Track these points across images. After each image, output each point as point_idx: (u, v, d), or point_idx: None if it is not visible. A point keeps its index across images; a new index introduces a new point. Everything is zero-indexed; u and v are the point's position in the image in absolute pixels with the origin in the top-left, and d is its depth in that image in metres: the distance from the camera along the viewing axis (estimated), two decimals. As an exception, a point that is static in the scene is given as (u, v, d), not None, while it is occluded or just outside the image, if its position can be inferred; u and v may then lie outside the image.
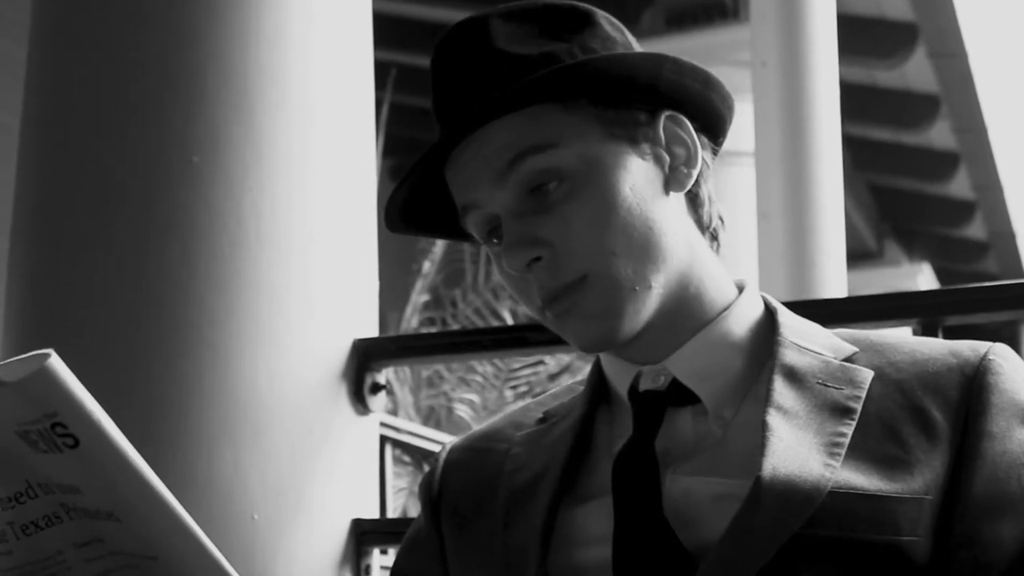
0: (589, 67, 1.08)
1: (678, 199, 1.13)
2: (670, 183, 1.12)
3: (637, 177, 1.09)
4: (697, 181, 1.14)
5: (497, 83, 1.08)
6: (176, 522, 0.89)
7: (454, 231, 1.17)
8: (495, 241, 1.12)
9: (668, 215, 1.11)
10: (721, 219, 1.17)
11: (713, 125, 1.16)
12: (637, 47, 1.15)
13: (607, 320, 1.08)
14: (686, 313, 1.12)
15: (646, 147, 1.11)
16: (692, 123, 1.14)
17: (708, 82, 1.13)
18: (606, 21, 1.14)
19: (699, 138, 1.14)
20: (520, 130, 1.08)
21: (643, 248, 1.08)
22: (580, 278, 1.07)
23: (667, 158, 1.12)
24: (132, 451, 0.87)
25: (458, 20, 1.14)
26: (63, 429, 0.85)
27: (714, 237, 1.17)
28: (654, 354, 1.12)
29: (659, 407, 1.11)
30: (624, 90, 1.10)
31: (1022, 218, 9.65)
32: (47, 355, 0.84)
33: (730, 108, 1.16)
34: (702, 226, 1.15)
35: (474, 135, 1.09)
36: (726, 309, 1.14)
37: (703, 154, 1.14)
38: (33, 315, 1.87)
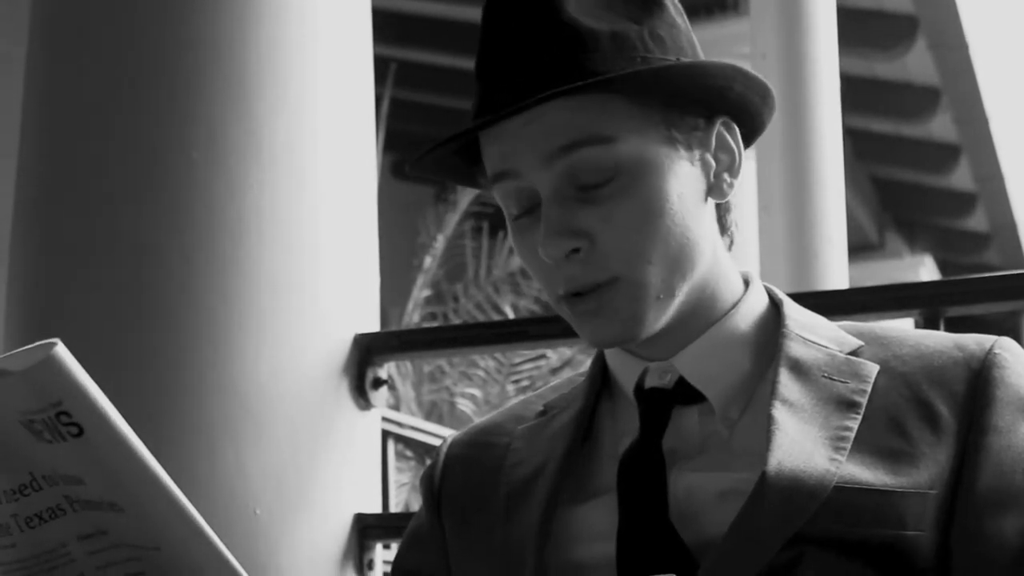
0: (672, 73, 1.06)
1: (710, 205, 1.12)
2: (712, 191, 1.11)
3: (685, 185, 1.08)
4: None
5: (564, 56, 1.04)
6: (179, 511, 0.89)
7: (465, 175, 1.14)
8: (520, 214, 1.09)
9: (703, 224, 1.09)
10: (736, 224, 1.16)
11: (754, 133, 1.16)
12: (692, 34, 1.13)
13: (628, 324, 1.07)
14: (698, 313, 1.11)
15: (697, 152, 1.09)
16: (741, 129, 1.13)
17: (766, 97, 1.12)
18: (671, 4, 1.12)
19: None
20: (579, 115, 1.04)
21: (676, 259, 1.07)
22: (611, 280, 1.06)
23: (713, 164, 1.10)
24: (136, 440, 0.87)
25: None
26: (68, 418, 0.85)
27: (730, 239, 1.15)
28: (662, 350, 1.11)
29: (666, 406, 1.10)
30: (695, 96, 1.08)
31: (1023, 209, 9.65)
32: (53, 344, 0.84)
33: (771, 119, 1.15)
34: (723, 229, 1.14)
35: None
36: (733, 306, 1.13)
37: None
38: (33, 311, 1.87)
